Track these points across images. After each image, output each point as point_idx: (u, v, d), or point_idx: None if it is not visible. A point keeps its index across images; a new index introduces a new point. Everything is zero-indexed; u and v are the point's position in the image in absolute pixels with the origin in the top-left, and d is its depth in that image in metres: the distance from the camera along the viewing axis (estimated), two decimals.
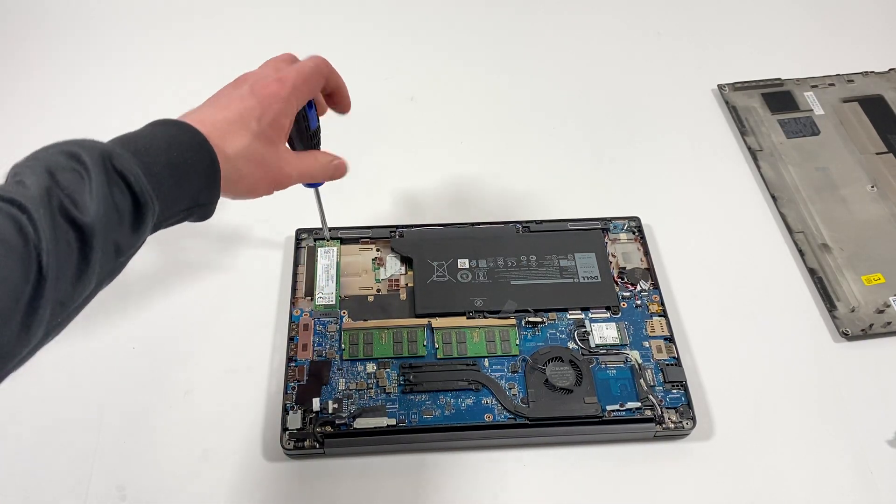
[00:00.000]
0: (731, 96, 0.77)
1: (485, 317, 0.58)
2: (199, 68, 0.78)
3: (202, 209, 0.41)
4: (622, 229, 0.64)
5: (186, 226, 0.42)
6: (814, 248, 0.65)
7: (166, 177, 0.38)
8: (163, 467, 0.52)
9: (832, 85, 0.78)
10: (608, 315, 0.59)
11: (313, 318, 0.58)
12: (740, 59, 0.81)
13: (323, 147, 0.53)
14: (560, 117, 0.76)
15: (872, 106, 0.76)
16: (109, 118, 0.74)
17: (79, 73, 0.78)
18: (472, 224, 0.64)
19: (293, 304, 0.58)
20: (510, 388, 0.54)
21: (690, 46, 0.83)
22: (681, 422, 0.53)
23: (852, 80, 0.78)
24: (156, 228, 0.39)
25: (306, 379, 0.54)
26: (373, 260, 0.62)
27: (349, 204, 0.66)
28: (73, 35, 0.82)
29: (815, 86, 0.78)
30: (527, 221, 0.64)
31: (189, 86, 0.77)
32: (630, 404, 0.53)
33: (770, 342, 0.59)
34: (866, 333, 0.59)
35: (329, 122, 0.76)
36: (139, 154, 0.37)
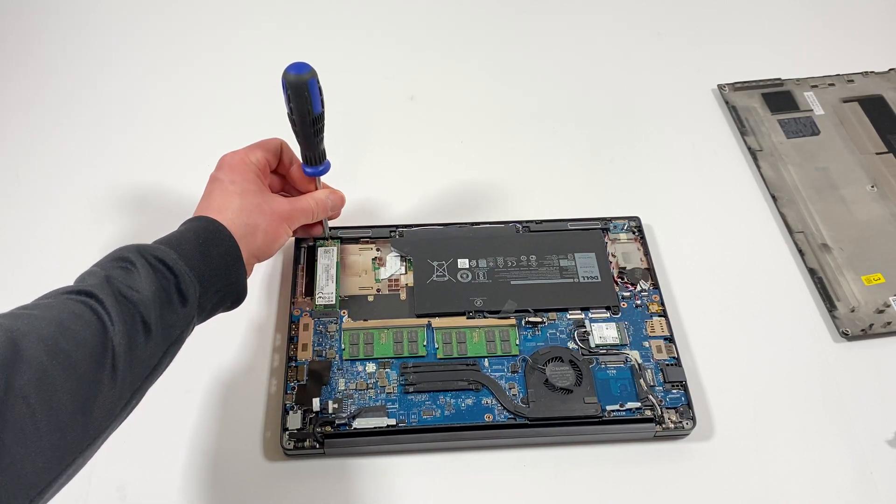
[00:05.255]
0: (731, 96, 0.77)
1: (485, 317, 0.58)
2: (199, 69, 0.78)
3: (236, 289, 0.47)
4: (622, 229, 0.64)
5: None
6: (814, 248, 0.65)
7: (197, 257, 0.44)
8: (163, 467, 0.52)
9: (832, 85, 0.78)
10: (608, 315, 0.59)
11: (313, 318, 0.58)
12: (740, 59, 0.81)
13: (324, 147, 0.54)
14: (560, 117, 0.76)
15: (872, 106, 0.76)
16: (115, 121, 0.74)
17: (81, 74, 0.78)
18: (472, 224, 0.64)
19: (293, 304, 0.58)
20: (510, 388, 0.54)
21: (690, 46, 0.83)
22: (681, 422, 0.53)
23: (852, 80, 0.78)
24: (202, 310, 0.45)
25: (306, 379, 0.54)
26: (373, 260, 0.61)
27: (349, 204, 0.66)
28: (77, 37, 0.82)
29: (815, 86, 0.78)
30: (527, 221, 0.64)
31: (191, 88, 0.77)
32: (630, 404, 0.53)
33: (770, 342, 0.59)
34: (866, 333, 0.59)
35: (329, 121, 0.76)
36: (172, 244, 0.44)
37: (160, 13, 0.84)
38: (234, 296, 0.48)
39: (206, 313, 0.46)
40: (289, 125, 0.50)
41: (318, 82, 0.48)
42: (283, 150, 0.54)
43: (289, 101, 0.48)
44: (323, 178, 0.57)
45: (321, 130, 0.51)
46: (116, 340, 0.38)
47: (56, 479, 0.35)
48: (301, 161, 0.54)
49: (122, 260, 0.42)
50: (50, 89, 0.76)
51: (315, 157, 0.53)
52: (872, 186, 0.69)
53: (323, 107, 0.50)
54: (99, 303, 0.38)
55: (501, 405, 0.53)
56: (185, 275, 0.43)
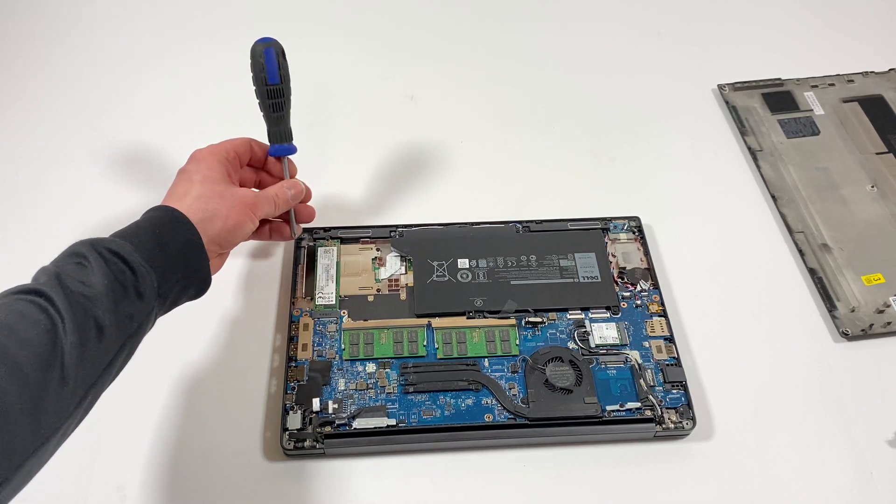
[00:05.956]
0: (731, 96, 0.77)
1: (485, 317, 0.58)
2: (196, 67, 0.78)
3: (198, 278, 0.47)
4: (622, 229, 0.64)
5: None
6: (814, 248, 0.65)
7: (153, 247, 0.44)
8: (163, 467, 0.52)
9: (832, 85, 0.78)
10: (608, 315, 0.59)
11: (313, 318, 0.58)
12: (740, 59, 0.81)
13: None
14: (560, 117, 0.76)
15: (872, 106, 0.76)
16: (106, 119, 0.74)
17: (76, 75, 0.78)
18: (472, 224, 0.64)
19: (293, 304, 0.58)
20: (510, 388, 0.54)
21: (690, 46, 0.83)
22: (681, 422, 0.53)
23: (852, 80, 0.78)
24: (163, 300, 0.45)
25: (306, 379, 0.54)
26: (373, 260, 0.61)
27: (349, 204, 0.66)
28: (71, 38, 0.82)
29: (815, 86, 0.78)
30: (527, 221, 0.64)
31: (188, 86, 0.77)
32: (630, 404, 0.53)
33: (770, 342, 0.59)
34: (866, 333, 0.59)
35: (328, 121, 0.76)
36: (127, 237, 0.44)
37: (155, 11, 0.84)
38: (197, 284, 0.47)
39: (168, 303, 0.46)
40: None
41: (279, 55, 0.50)
42: (252, 145, 0.55)
43: (252, 70, 0.50)
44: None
45: (281, 106, 0.52)
46: (66, 339, 0.37)
47: (7, 481, 0.34)
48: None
49: (76, 255, 0.42)
50: (45, 85, 0.76)
51: (278, 134, 0.53)
52: (872, 186, 0.69)
53: (283, 82, 0.51)
54: (48, 301, 0.38)
55: (501, 405, 0.53)
56: (139, 266, 0.42)
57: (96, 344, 0.39)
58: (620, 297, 0.60)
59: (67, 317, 0.38)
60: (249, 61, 0.51)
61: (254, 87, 0.52)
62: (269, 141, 0.55)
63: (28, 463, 0.35)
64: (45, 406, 0.36)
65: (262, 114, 0.54)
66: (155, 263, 0.44)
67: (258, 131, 0.56)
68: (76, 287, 0.39)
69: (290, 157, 0.56)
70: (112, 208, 0.66)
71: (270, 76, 0.51)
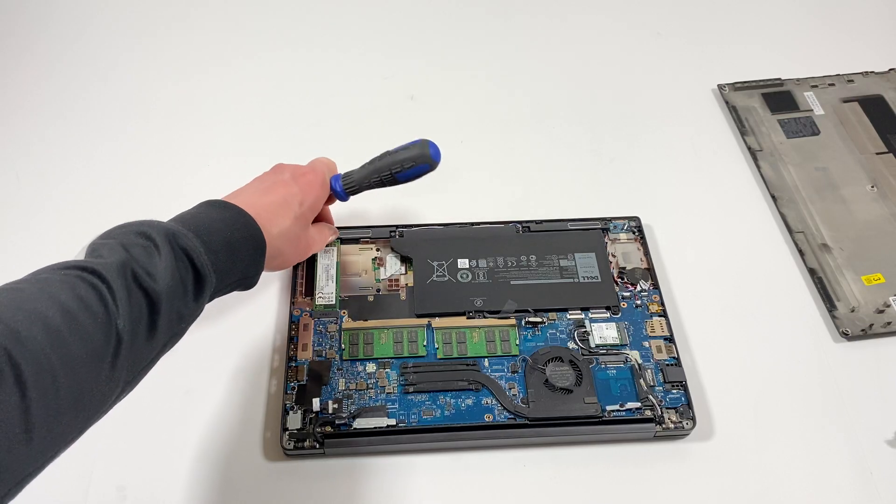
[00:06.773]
0: (731, 96, 0.77)
1: (485, 317, 0.58)
2: (198, 68, 0.78)
3: (248, 280, 0.47)
4: (622, 229, 0.64)
5: None
6: (814, 248, 0.65)
7: (223, 254, 0.43)
8: (163, 467, 0.52)
9: (832, 85, 0.78)
10: (608, 315, 0.59)
11: (313, 318, 0.58)
12: (740, 59, 0.81)
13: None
14: (560, 117, 0.76)
15: (872, 106, 0.76)
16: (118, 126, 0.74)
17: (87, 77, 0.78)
18: (472, 224, 0.64)
19: (293, 304, 0.58)
20: (510, 389, 0.54)
21: (690, 46, 0.83)
22: (681, 422, 0.53)
23: (852, 80, 0.78)
24: (210, 299, 0.44)
25: (306, 379, 0.54)
26: (373, 260, 0.61)
27: (349, 203, 0.66)
28: (82, 39, 0.82)
29: (815, 86, 0.78)
30: (527, 221, 0.64)
31: (191, 89, 0.77)
32: (630, 404, 0.53)
33: (770, 342, 0.59)
34: (866, 333, 0.59)
35: (329, 122, 0.76)
36: (200, 234, 0.42)
37: (156, 13, 0.84)
38: (244, 285, 0.48)
39: (213, 298, 0.45)
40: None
41: (422, 175, 0.54)
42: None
43: (405, 150, 0.53)
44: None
45: (377, 186, 0.54)
46: (121, 336, 0.36)
47: (37, 471, 0.33)
48: (342, 175, 0.56)
49: (146, 237, 0.40)
50: (50, 89, 0.76)
51: (354, 185, 0.55)
52: (872, 186, 0.69)
53: (401, 182, 0.54)
54: (109, 290, 0.36)
55: (501, 405, 0.53)
56: (205, 269, 0.42)
57: (144, 342, 0.38)
58: (620, 297, 0.60)
59: (124, 313, 0.36)
60: (413, 152, 0.52)
61: (389, 157, 0.53)
62: (346, 182, 0.55)
63: (59, 453, 0.34)
64: (88, 401, 0.35)
65: (366, 163, 0.55)
66: (218, 268, 0.43)
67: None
68: (142, 278, 0.38)
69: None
70: (112, 211, 0.66)
71: (403, 176, 0.54)
